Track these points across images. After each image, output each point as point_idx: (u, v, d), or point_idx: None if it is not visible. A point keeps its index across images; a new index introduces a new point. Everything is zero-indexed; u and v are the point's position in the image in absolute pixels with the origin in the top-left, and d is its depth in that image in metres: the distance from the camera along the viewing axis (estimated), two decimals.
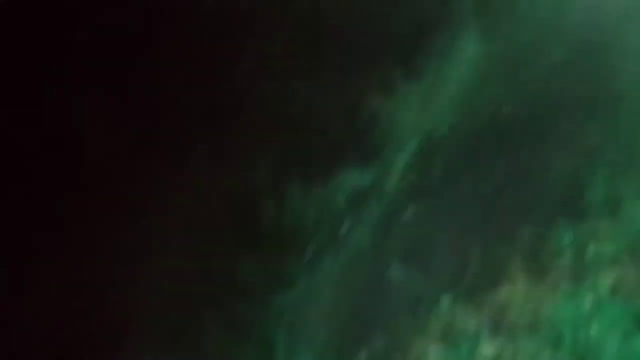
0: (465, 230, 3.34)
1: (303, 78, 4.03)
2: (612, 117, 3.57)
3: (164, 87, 4.32)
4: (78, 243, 4.02)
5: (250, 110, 4.17)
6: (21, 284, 4.00)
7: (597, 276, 3.07)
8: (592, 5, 4.01)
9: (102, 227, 4.00)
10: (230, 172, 4.04)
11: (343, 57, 4.04)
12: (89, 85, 4.44)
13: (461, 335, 3.09)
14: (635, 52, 3.77)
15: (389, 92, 3.89)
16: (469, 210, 3.38)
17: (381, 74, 3.91)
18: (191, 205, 4.03)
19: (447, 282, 3.24)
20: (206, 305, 3.66)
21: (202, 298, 3.70)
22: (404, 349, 3.13)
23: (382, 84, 3.88)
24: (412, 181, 3.54)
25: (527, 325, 3.04)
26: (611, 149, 3.42)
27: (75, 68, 4.51)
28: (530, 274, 3.12)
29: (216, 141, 4.21)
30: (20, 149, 4.27)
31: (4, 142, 4.24)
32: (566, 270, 3.11)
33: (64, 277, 3.95)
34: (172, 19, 4.66)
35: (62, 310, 3.93)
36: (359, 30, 4.14)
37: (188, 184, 4.08)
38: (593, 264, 3.11)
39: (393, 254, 3.37)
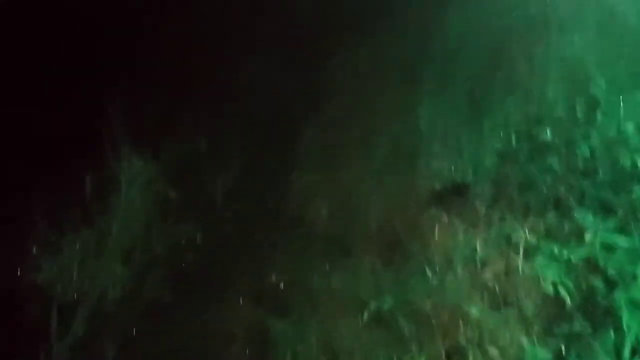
0: None
1: None
2: None
3: (163, 86, 4.34)
4: None
5: None
6: None
7: None
8: None
9: None
10: None
11: None
12: (89, 85, 4.40)
13: None
14: None
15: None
16: None
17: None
18: None
19: None
20: None
21: None
22: None
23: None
24: None
25: None
26: None
27: (75, 68, 4.47)
28: None
29: None
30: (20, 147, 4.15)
31: (4, 141, 4.13)
32: None
33: None
34: (171, 19, 4.74)
35: None
36: None
37: None
38: None
39: None
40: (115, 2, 4.64)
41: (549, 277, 3.23)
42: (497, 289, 3.23)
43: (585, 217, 3.46)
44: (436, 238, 3.55)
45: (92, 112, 4.17)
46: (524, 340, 3.02)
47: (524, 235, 3.43)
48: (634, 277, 3.16)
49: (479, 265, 3.35)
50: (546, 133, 4.04)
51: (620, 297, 3.10)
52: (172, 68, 4.43)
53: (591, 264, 3.26)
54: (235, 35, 4.67)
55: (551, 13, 4.72)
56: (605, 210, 3.51)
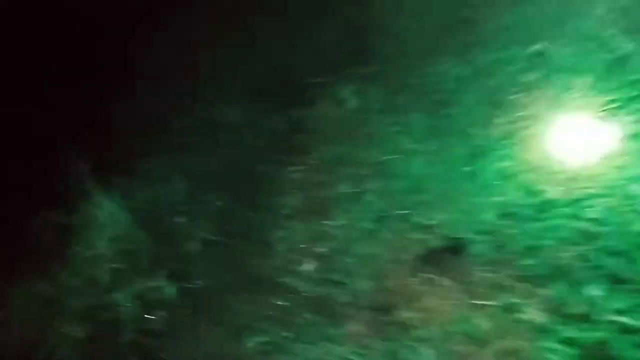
0: None
1: None
2: None
3: (163, 86, 4.35)
4: None
5: None
6: None
7: None
8: None
9: None
10: None
11: None
12: (88, 85, 4.41)
13: None
14: None
15: None
16: None
17: None
18: None
19: None
20: None
21: None
22: None
23: None
24: None
25: None
26: None
27: (74, 68, 4.47)
28: None
29: None
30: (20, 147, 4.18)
31: (4, 141, 4.16)
32: None
33: None
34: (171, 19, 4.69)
35: None
36: None
37: None
38: None
39: None
40: (115, 2, 4.66)
41: None
42: None
43: (596, 292, 3.20)
44: (432, 306, 3.25)
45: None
46: None
47: (529, 309, 3.15)
48: None
49: (481, 343, 3.05)
50: (549, 189, 3.77)
51: None
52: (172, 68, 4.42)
53: (604, 349, 2.99)
54: (235, 35, 4.64)
55: (550, 54, 4.48)
56: (615, 282, 3.25)
